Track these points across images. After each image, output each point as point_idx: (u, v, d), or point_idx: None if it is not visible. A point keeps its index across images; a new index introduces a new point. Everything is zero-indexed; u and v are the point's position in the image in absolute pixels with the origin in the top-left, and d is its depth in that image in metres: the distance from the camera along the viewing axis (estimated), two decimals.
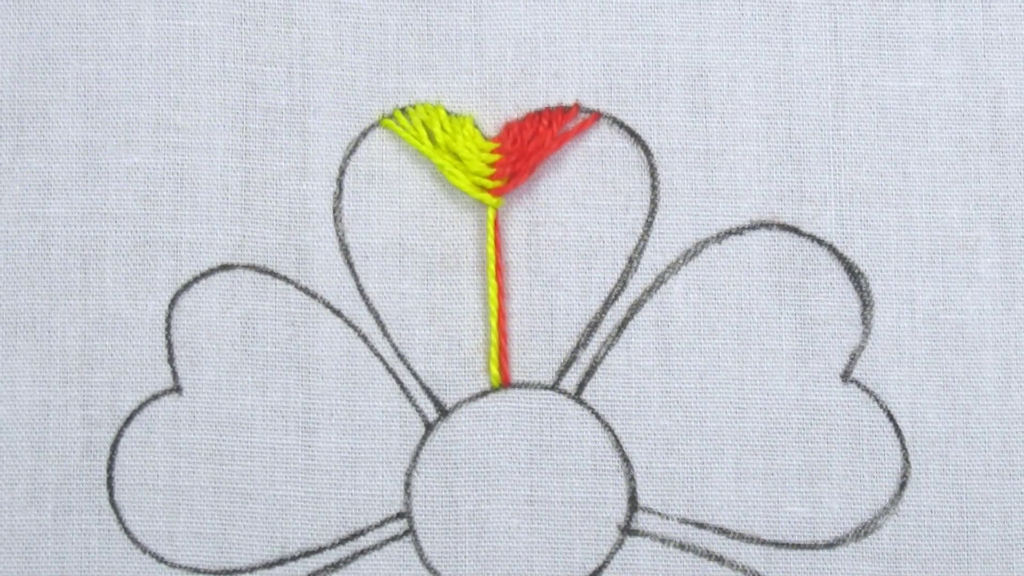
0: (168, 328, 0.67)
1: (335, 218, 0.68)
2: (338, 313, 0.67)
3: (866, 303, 0.67)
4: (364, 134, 0.68)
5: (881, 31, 0.68)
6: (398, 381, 0.67)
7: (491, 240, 0.67)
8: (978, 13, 0.68)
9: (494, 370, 0.67)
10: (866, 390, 0.67)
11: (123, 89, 0.68)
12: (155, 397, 0.67)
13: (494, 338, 0.66)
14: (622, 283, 0.67)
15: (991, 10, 0.68)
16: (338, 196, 0.68)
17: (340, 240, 0.68)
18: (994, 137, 0.68)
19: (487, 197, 0.67)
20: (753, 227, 0.68)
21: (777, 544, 0.66)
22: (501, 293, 0.67)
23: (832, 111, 0.68)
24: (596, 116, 0.68)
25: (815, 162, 0.68)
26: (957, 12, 0.68)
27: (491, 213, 0.67)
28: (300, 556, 0.67)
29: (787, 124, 0.68)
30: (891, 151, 0.68)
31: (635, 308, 0.67)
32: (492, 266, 0.66)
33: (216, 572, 0.67)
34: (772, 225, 0.67)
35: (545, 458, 0.67)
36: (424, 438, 0.67)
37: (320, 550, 0.67)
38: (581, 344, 0.67)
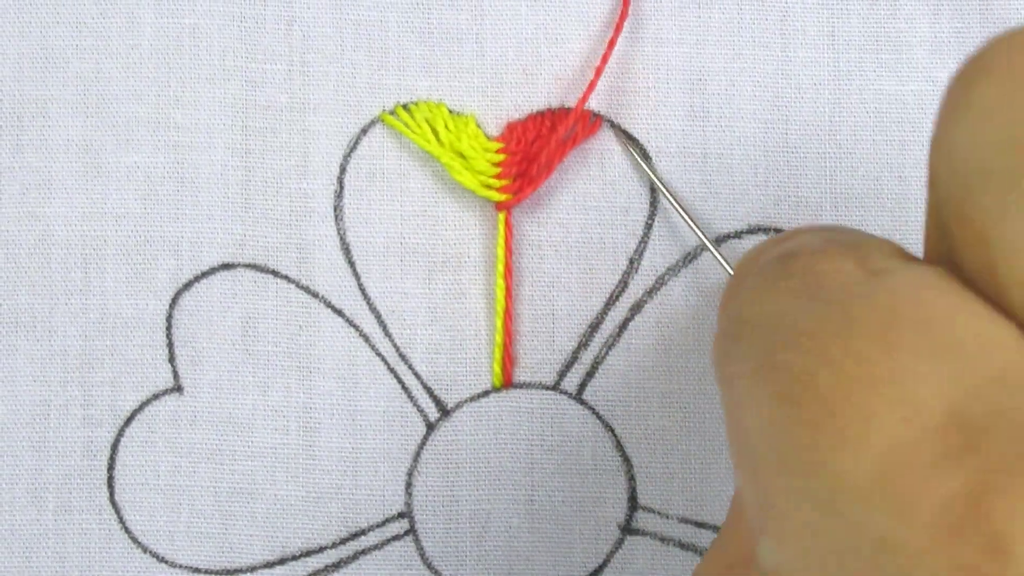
0: (169, 327, 0.67)
1: (336, 217, 0.68)
2: (339, 312, 0.67)
3: None
4: (364, 131, 0.68)
5: (878, 35, 0.69)
6: (399, 381, 0.67)
7: (502, 242, 0.67)
8: (975, 17, 0.69)
9: (497, 370, 0.67)
10: None
11: (123, 88, 0.68)
12: (156, 396, 0.67)
13: (499, 338, 0.67)
14: (623, 284, 0.68)
15: (988, 13, 0.69)
16: (339, 194, 0.68)
17: (341, 239, 0.68)
18: None
19: (494, 194, 0.67)
20: (750, 231, 0.68)
21: None
22: (509, 294, 0.67)
23: (829, 115, 0.69)
24: (599, 120, 0.68)
25: (811, 167, 0.68)
26: (954, 15, 0.69)
27: (502, 216, 0.67)
28: (301, 555, 0.67)
29: (784, 129, 0.69)
30: (887, 156, 0.69)
31: (636, 309, 0.68)
32: (501, 267, 0.67)
33: (217, 571, 0.67)
34: (768, 229, 0.68)
35: (546, 458, 0.67)
36: (425, 438, 0.67)
37: (321, 549, 0.67)
38: (582, 345, 0.68)
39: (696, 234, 0.65)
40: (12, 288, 0.67)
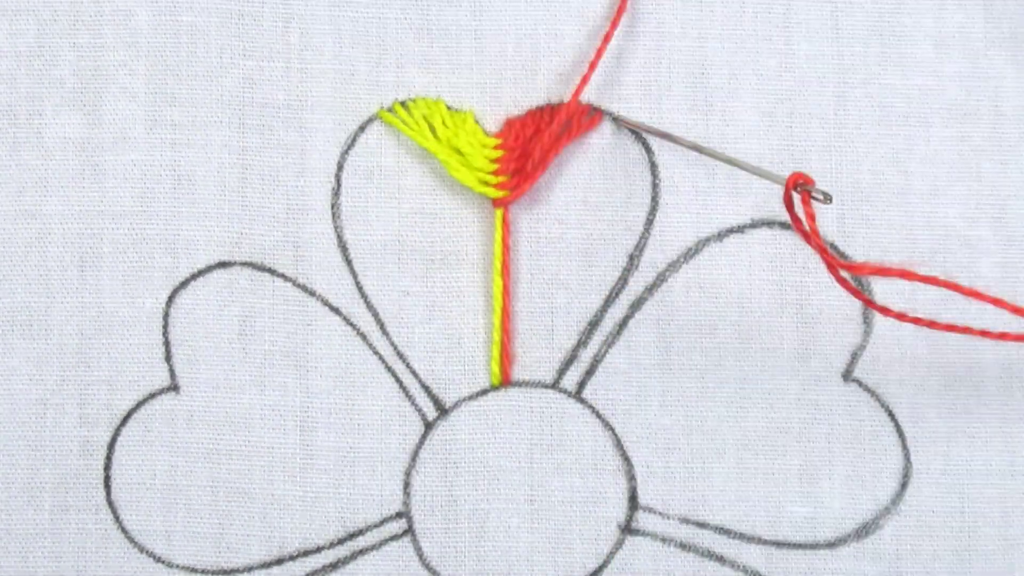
0: (165, 326, 0.67)
1: (333, 214, 0.67)
2: (336, 311, 0.67)
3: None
4: (362, 128, 0.68)
5: (882, 29, 0.68)
6: (397, 380, 0.67)
7: (499, 239, 0.66)
8: (979, 11, 0.68)
9: (495, 368, 0.66)
10: (867, 389, 0.66)
11: (120, 85, 0.67)
12: (152, 396, 0.67)
13: (496, 336, 0.66)
14: (623, 281, 0.67)
15: (992, 8, 0.68)
16: (336, 192, 0.67)
17: (338, 237, 0.67)
18: (995, 136, 0.68)
19: (491, 191, 0.66)
20: (754, 225, 0.67)
21: (778, 544, 0.66)
22: (507, 291, 0.66)
23: (833, 109, 0.68)
24: (599, 114, 0.67)
25: (816, 160, 0.68)
26: (959, 9, 0.68)
27: (499, 212, 0.66)
28: (298, 556, 0.66)
29: (788, 122, 0.68)
30: (892, 149, 0.68)
31: (636, 306, 0.67)
32: (499, 264, 0.66)
33: (214, 572, 0.66)
34: (773, 223, 0.67)
35: (545, 457, 0.66)
36: (423, 437, 0.67)
37: (318, 550, 0.66)
38: (582, 342, 0.67)
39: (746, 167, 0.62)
40: (8, 286, 0.67)
